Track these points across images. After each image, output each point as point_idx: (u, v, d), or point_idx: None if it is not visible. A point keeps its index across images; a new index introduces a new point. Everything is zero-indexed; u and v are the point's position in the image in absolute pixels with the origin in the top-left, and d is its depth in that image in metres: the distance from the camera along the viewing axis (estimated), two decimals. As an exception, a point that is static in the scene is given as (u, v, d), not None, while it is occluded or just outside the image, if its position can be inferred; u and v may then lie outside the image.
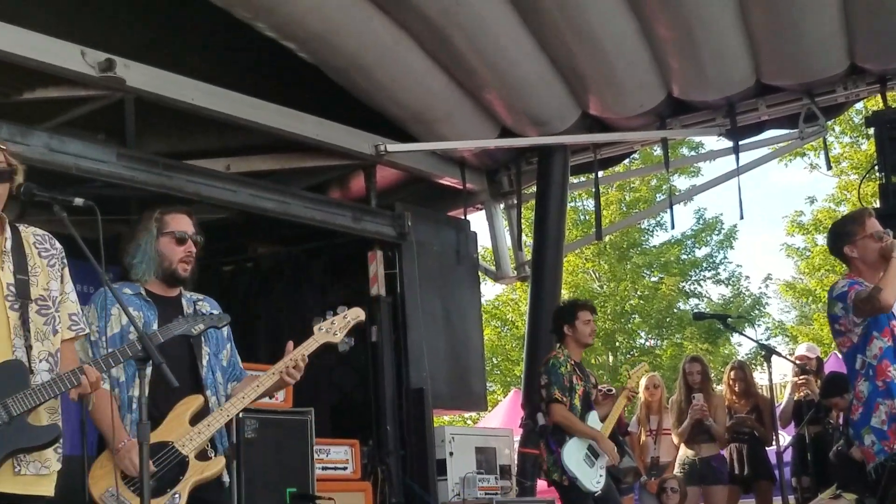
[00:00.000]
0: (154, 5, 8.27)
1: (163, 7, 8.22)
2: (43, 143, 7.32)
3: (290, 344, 5.12)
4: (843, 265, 6.27)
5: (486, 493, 9.35)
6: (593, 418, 8.00)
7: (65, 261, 4.51)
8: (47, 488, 4.30)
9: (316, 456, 8.20)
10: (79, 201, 4.52)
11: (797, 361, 9.66)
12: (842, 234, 6.10)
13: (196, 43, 8.69)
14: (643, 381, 10.04)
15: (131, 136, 7.98)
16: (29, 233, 4.46)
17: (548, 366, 7.92)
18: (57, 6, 7.91)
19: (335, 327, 5.32)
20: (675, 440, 9.69)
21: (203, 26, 8.43)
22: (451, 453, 9.39)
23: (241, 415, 7.75)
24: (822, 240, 22.70)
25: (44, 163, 7.27)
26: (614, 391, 9.31)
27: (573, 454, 7.83)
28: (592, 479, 7.81)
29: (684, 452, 9.59)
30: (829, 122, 10.83)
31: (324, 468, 8.36)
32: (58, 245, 4.51)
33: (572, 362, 7.97)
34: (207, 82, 8.31)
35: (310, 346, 5.20)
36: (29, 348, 4.21)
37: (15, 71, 7.51)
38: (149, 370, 4.32)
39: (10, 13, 7.22)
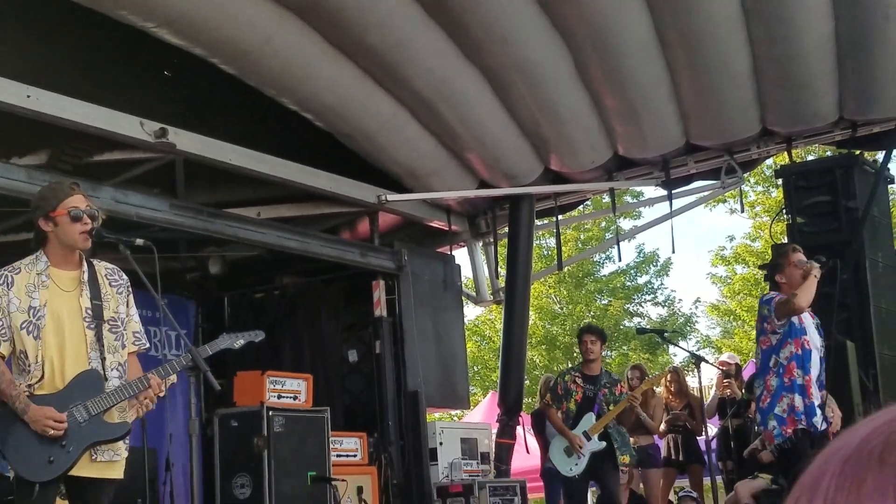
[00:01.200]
0: (199, 83, 8.31)
1: (206, 84, 8.27)
2: (110, 196, 7.34)
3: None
4: (760, 289, 6.54)
5: (469, 476, 9.34)
6: (587, 419, 8.00)
7: (129, 289, 4.56)
8: (118, 472, 4.34)
9: (331, 446, 8.20)
10: (139, 241, 4.57)
11: (720, 367, 9.70)
12: (774, 266, 6.37)
13: (234, 113, 8.73)
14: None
15: (181, 189, 8.02)
16: (101, 266, 4.52)
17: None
18: (121, 85, 7.95)
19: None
20: None
21: (239, 100, 8.48)
22: (441, 443, 9.39)
23: (270, 412, 7.77)
24: (740, 269, 22.74)
25: (110, 212, 7.23)
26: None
27: (555, 447, 8.13)
28: (567, 466, 7.93)
29: None
30: (745, 175, 10.89)
31: (338, 455, 8.35)
32: (124, 276, 4.57)
33: (576, 374, 8.21)
34: (243, 146, 8.35)
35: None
36: (103, 360, 4.25)
37: (87, 138, 7.55)
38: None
39: (83, 92, 7.27)
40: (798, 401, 6.01)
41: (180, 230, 8.00)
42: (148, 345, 4.73)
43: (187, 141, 7.85)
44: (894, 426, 0.71)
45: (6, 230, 8.57)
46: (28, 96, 6.79)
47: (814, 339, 6.20)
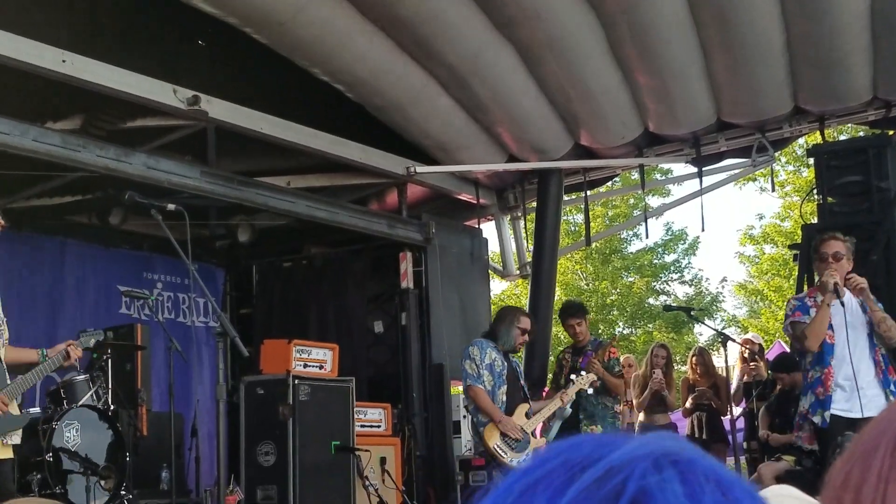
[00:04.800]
0: (232, 52, 8.34)
1: (239, 53, 8.29)
2: (142, 163, 7.41)
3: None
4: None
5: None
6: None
7: None
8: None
9: (355, 416, 8.26)
10: (171, 206, 4.63)
11: (744, 345, 9.68)
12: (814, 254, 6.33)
13: (265, 82, 8.76)
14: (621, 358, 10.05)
15: (212, 157, 8.07)
16: None
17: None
18: (154, 52, 8.00)
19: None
20: (635, 408, 9.74)
21: (271, 69, 8.50)
22: (464, 416, 9.42)
23: (296, 381, 7.84)
24: (769, 249, 22.63)
25: (142, 178, 7.36)
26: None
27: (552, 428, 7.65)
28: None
29: (643, 419, 9.61)
30: (777, 153, 10.82)
31: (362, 426, 8.41)
32: None
33: (567, 351, 8.09)
34: (274, 115, 8.39)
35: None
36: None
37: (120, 104, 7.62)
38: None
39: (118, 58, 7.32)
40: (817, 393, 6.01)
41: (211, 198, 8.06)
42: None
43: (219, 109, 7.90)
44: None
45: (41, 194, 8.68)
46: (63, 61, 6.86)
47: (843, 324, 6.05)
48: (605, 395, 7.84)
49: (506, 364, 7.27)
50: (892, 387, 5.98)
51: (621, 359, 10.00)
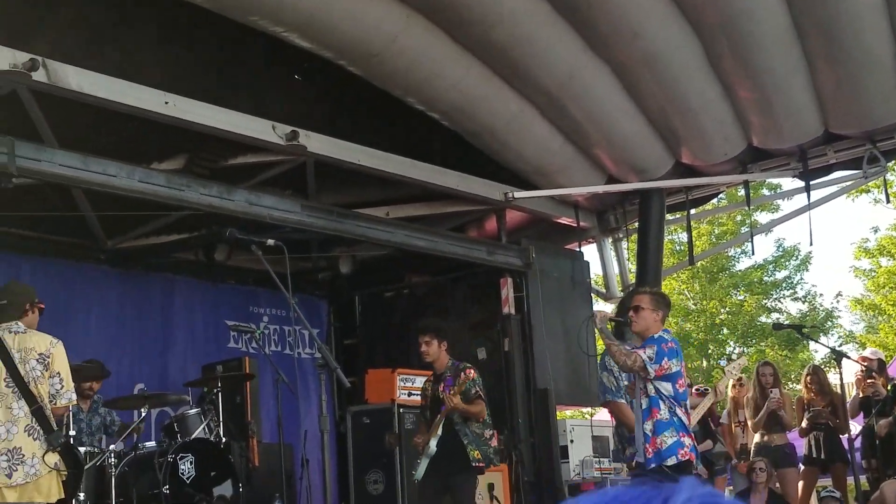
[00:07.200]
0: (328, 87, 8.47)
1: (334, 87, 8.42)
2: (244, 199, 7.55)
3: None
4: None
5: (601, 474, 9.27)
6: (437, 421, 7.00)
7: None
8: None
9: (462, 443, 8.22)
10: (270, 242, 4.70)
11: (862, 363, 9.38)
12: None
13: (361, 114, 8.87)
14: (730, 382, 9.83)
15: (312, 191, 8.19)
16: None
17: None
18: (253, 89, 8.18)
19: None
20: (752, 429, 9.51)
21: (366, 102, 8.60)
22: (572, 441, 9.35)
23: (401, 409, 7.86)
24: (885, 262, 21.91)
25: (245, 214, 7.51)
26: (707, 389, 9.14)
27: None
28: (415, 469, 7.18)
29: (759, 440, 9.40)
30: (890, 163, 10.49)
31: (468, 454, 8.37)
32: None
33: (430, 377, 7.34)
34: (371, 146, 8.47)
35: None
36: None
37: (221, 143, 7.79)
38: None
39: (216, 97, 7.50)
40: None
41: (311, 230, 8.16)
42: None
43: (317, 143, 8.02)
44: None
45: (148, 233, 8.93)
46: (166, 103, 7.05)
47: None
48: (472, 423, 7.06)
49: None
50: None
51: (731, 380, 9.79)
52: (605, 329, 6.27)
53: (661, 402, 6.00)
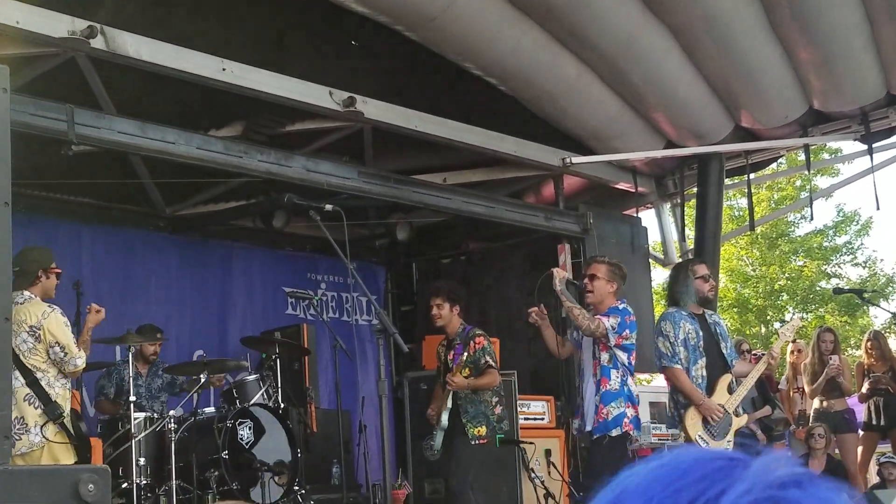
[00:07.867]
0: (383, 51, 8.42)
1: (390, 52, 8.37)
2: (301, 165, 7.57)
3: None
4: None
5: (658, 440, 9.23)
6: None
7: None
8: None
9: (519, 409, 8.24)
10: (329, 207, 4.70)
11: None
12: None
13: (418, 79, 8.82)
14: (786, 345, 9.71)
15: (369, 157, 8.17)
16: None
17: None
18: (309, 55, 8.16)
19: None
20: (809, 395, 9.42)
21: (423, 67, 8.55)
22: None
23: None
24: (949, 227, 21.48)
25: (302, 180, 7.52)
26: (763, 354, 9.04)
27: None
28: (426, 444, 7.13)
29: (818, 406, 9.31)
30: (954, 125, 10.23)
31: (525, 419, 8.40)
32: None
33: (444, 341, 7.22)
34: (428, 112, 8.43)
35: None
36: None
37: (279, 109, 7.80)
38: None
39: (273, 63, 7.50)
40: None
41: (369, 197, 8.16)
42: None
43: (374, 109, 7.99)
44: None
45: (207, 200, 8.99)
46: (223, 69, 7.06)
47: None
48: (481, 394, 6.97)
49: (701, 333, 6.57)
50: None
51: (790, 345, 9.65)
52: (565, 291, 6.38)
53: (612, 370, 6.32)
